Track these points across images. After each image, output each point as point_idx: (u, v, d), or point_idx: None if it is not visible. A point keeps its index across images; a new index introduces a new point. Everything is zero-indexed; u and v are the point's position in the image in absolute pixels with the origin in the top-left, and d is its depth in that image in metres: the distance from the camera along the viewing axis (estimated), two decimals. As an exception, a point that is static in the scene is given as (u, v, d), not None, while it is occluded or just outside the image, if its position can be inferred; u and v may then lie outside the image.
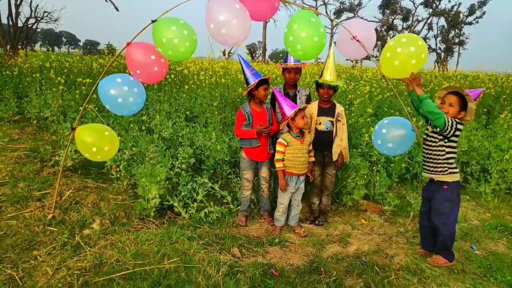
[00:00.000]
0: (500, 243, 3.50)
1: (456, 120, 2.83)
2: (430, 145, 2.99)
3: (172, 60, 3.19)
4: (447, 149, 2.90)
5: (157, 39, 2.84)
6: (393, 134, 3.10)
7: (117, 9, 8.21)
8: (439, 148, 2.92)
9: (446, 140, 2.89)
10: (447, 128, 2.77)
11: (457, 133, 2.84)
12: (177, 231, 3.34)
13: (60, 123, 5.56)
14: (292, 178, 3.47)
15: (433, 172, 2.99)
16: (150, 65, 2.99)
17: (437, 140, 2.93)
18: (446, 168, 2.92)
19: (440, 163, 2.93)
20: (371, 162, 4.58)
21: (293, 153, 3.41)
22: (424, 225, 3.20)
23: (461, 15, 41.41)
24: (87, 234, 3.25)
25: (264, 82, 3.51)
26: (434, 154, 2.96)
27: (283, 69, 3.79)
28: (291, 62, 3.70)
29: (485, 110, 8.28)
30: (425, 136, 3.08)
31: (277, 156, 3.44)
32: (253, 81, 3.48)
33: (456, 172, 2.95)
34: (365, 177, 4.13)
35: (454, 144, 2.92)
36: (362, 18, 44.15)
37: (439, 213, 2.99)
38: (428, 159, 3.02)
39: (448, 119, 2.77)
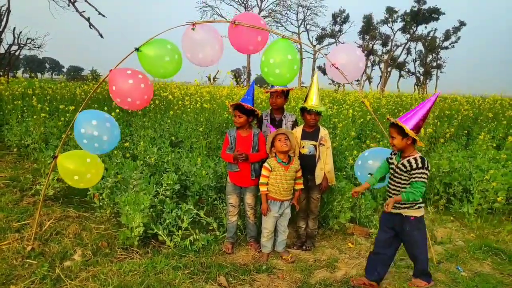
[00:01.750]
0: (485, 263, 3.53)
1: (424, 168, 2.70)
2: (399, 182, 2.86)
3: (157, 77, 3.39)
4: None
5: (144, 64, 3.04)
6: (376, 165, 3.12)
7: (101, 36, 8.23)
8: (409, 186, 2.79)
9: None
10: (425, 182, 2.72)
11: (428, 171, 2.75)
12: (162, 260, 3.26)
13: (42, 151, 5.45)
14: (275, 202, 3.46)
15: (401, 209, 2.87)
16: (131, 91, 3.04)
17: (407, 179, 2.81)
18: (415, 204, 2.85)
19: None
20: (356, 184, 4.61)
21: (276, 178, 3.41)
22: (379, 253, 3.01)
23: (437, 40, 43.14)
24: (68, 266, 3.13)
25: (235, 108, 3.57)
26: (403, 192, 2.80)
27: (270, 94, 3.85)
28: (274, 87, 3.76)
29: (465, 131, 8.50)
30: (391, 171, 2.93)
31: (261, 180, 3.45)
32: (231, 108, 3.64)
33: (422, 207, 2.88)
34: (350, 200, 4.15)
35: None
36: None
37: (413, 242, 2.92)
38: (395, 195, 2.87)
39: (423, 182, 2.69)
